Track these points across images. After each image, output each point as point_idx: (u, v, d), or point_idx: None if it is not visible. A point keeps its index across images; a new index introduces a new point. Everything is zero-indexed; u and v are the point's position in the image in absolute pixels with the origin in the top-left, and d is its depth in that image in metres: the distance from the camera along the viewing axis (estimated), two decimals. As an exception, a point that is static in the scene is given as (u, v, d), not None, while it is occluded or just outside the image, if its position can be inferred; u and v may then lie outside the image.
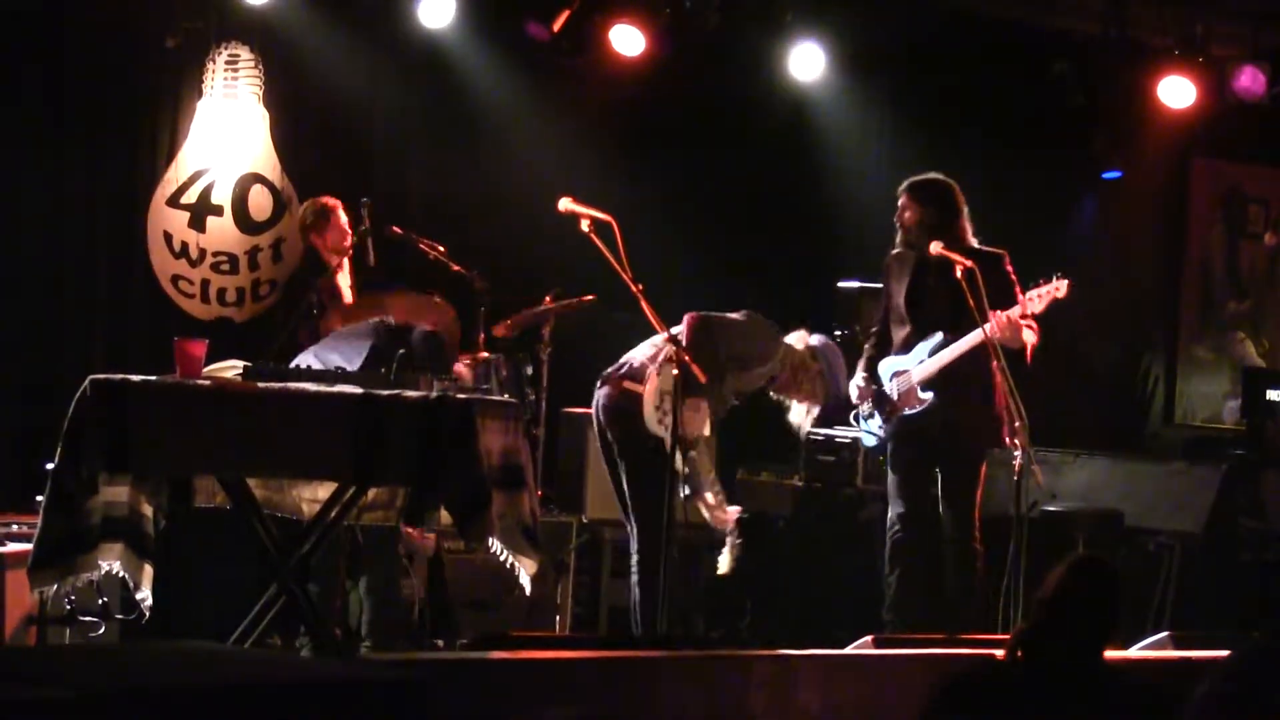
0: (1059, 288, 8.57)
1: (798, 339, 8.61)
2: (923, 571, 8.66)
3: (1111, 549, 9.58)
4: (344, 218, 8.85)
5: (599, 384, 8.40)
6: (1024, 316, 8.45)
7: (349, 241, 8.79)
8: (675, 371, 8.03)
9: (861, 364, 8.83)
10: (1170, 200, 12.63)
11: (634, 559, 8.31)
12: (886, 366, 8.72)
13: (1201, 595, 9.78)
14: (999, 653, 5.02)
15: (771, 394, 8.63)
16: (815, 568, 9.84)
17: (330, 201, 8.91)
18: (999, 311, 8.39)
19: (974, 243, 8.59)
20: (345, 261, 8.86)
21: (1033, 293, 8.55)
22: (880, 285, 9.05)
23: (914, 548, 8.63)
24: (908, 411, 8.62)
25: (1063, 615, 4.85)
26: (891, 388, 8.66)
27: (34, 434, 8.50)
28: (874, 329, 8.99)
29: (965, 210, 8.62)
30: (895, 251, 8.77)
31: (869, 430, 8.80)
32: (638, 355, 8.38)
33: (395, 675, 4.57)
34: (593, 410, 8.43)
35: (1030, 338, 8.46)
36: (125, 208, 9.60)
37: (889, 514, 8.73)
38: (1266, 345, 12.67)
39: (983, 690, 4.88)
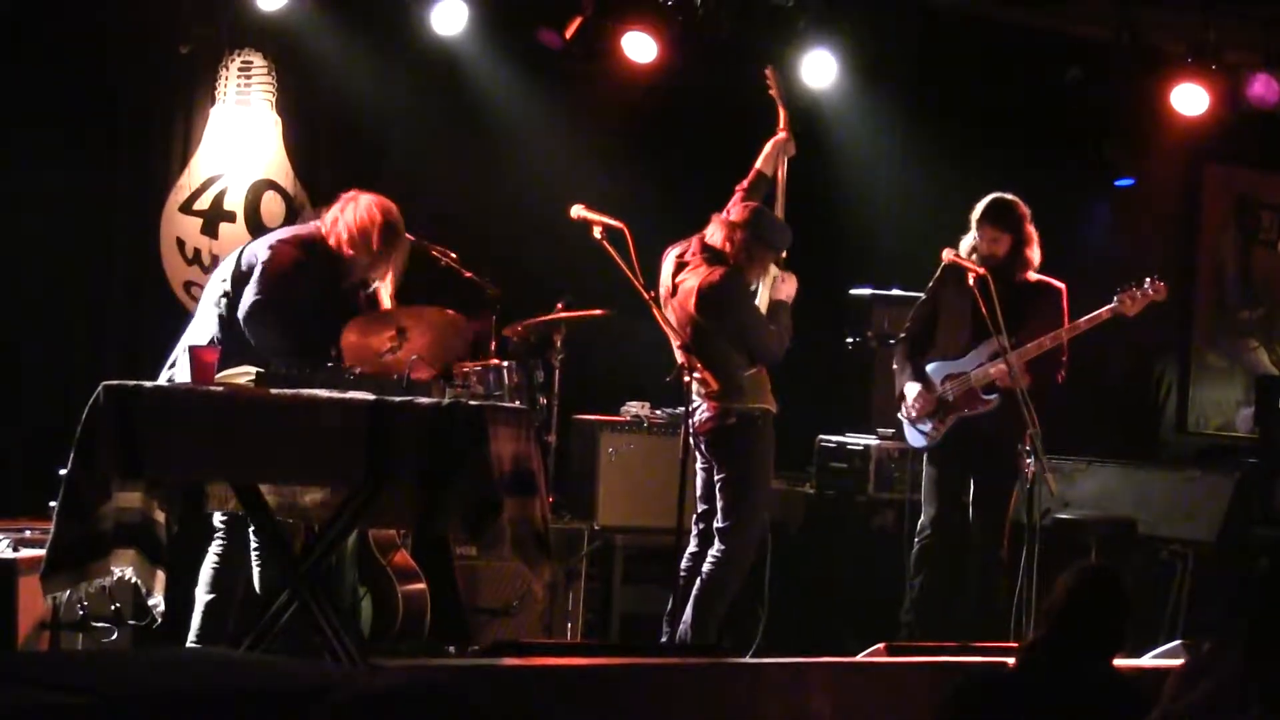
0: (1158, 289, 8.60)
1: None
2: (947, 577, 8.68)
3: (1124, 557, 9.57)
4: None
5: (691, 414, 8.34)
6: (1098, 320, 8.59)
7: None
8: (687, 379, 8.03)
9: (909, 370, 8.83)
10: (1183, 207, 12.62)
11: (709, 564, 8.27)
12: (937, 370, 8.76)
13: (1214, 604, 9.76)
14: (1010, 661, 5.02)
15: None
16: (827, 575, 9.83)
17: None
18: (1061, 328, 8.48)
19: (1035, 261, 8.68)
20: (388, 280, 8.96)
21: (1124, 295, 8.58)
22: (893, 290, 9.06)
23: (942, 553, 8.65)
24: (968, 413, 8.64)
25: (1070, 624, 4.86)
26: (946, 390, 8.69)
27: (47, 440, 8.50)
28: (908, 333, 8.97)
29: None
30: (950, 262, 8.75)
31: (920, 430, 8.79)
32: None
33: (405, 682, 4.57)
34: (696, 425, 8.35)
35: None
36: (138, 214, 9.60)
37: (922, 517, 8.76)
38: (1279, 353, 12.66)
39: (992, 697, 4.88)
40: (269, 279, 7.38)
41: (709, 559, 8.24)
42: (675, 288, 8.34)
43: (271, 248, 7.51)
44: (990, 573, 8.60)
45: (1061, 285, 8.71)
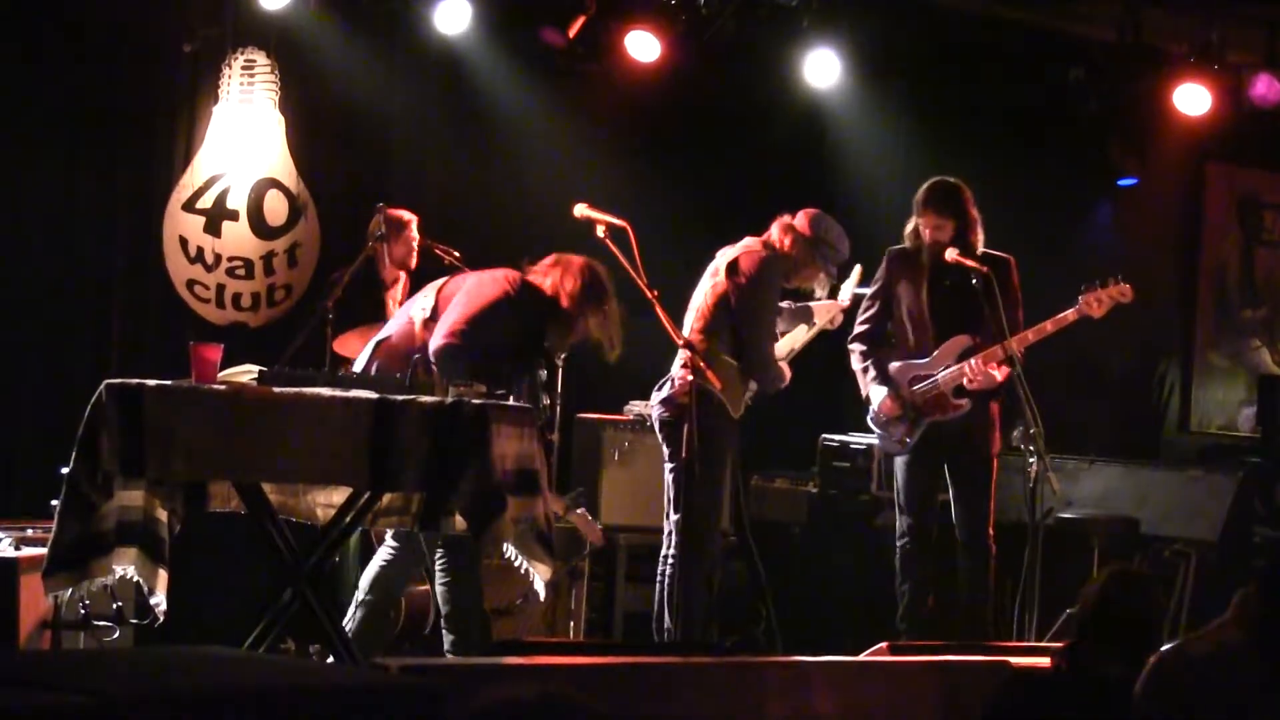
0: (1124, 292, 8.47)
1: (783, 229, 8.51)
2: (935, 580, 8.62)
3: (1127, 556, 9.56)
4: (415, 234, 8.90)
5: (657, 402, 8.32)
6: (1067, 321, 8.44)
7: (414, 259, 8.85)
8: (690, 378, 8.00)
9: (872, 372, 8.63)
10: (1185, 207, 12.62)
11: (670, 563, 8.21)
12: (901, 371, 8.62)
13: (1217, 603, 9.74)
14: (1042, 661, 5.04)
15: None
16: (830, 574, 9.83)
17: (405, 215, 8.95)
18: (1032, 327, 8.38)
19: (979, 246, 8.51)
20: (403, 276, 8.97)
21: (1090, 296, 8.46)
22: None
23: (924, 556, 8.57)
24: (939, 418, 8.53)
25: (1103, 628, 4.86)
26: (915, 393, 8.55)
27: (49, 438, 8.51)
28: (863, 334, 8.74)
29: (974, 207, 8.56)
30: (899, 248, 8.67)
31: (892, 437, 8.65)
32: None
33: (409, 682, 4.56)
34: (660, 413, 8.33)
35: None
36: (141, 212, 9.61)
37: (899, 523, 8.66)
38: (1283, 352, 12.67)
39: (1031, 701, 4.90)
40: (470, 314, 7.44)
41: (670, 558, 8.16)
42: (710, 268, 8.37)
43: (482, 281, 7.59)
44: (978, 563, 8.46)
45: (1009, 256, 8.54)
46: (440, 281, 7.75)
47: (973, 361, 8.40)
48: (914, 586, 8.57)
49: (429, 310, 7.56)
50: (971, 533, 8.47)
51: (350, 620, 7.54)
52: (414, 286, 9.12)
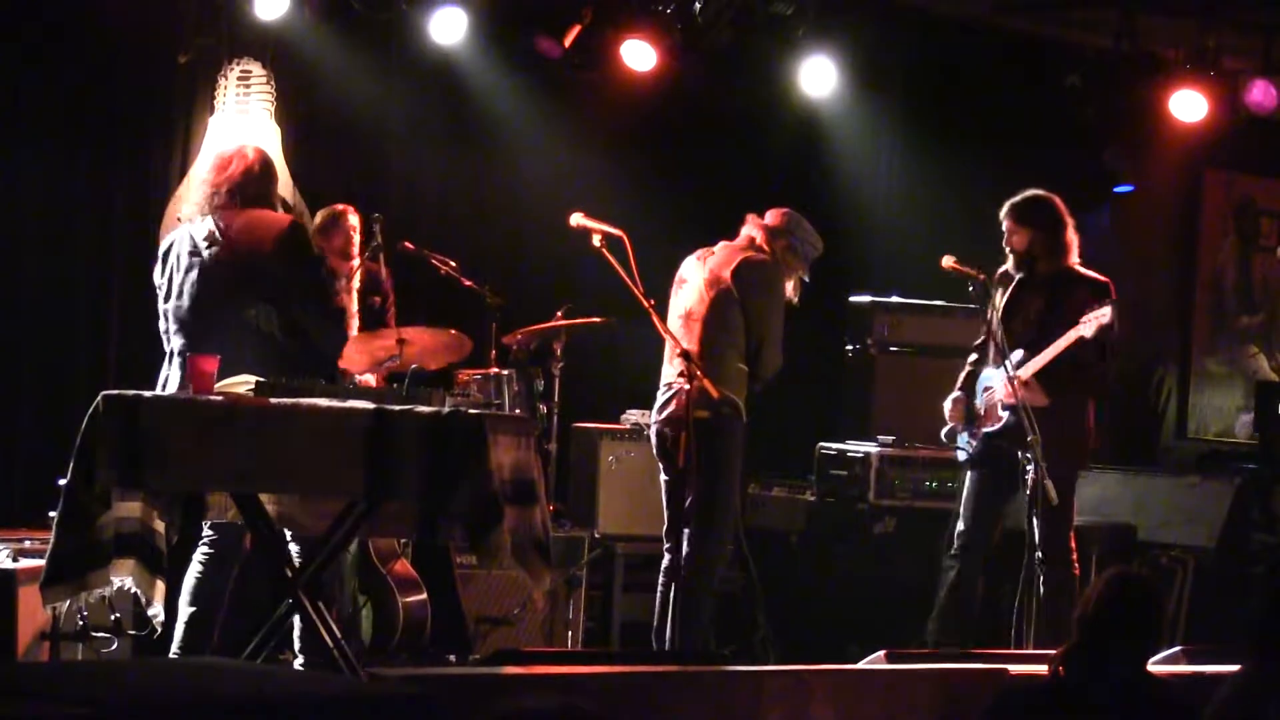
0: (1102, 314, 8.40)
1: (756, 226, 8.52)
2: (974, 590, 8.58)
3: (1124, 563, 9.56)
4: (353, 221, 8.65)
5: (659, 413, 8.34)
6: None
7: (354, 249, 8.72)
8: (687, 386, 8.00)
9: (960, 380, 8.68)
10: (1182, 214, 12.63)
11: (685, 572, 8.18)
12: (982, 379, 8.60)
13: (1214, 609, 9.77)
14: (1044, 669, 5.03)
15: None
16: (828, 582, 9.82)
17: (339, 206, 8.88)
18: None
19: (1076, 262, 8.49)
20: (356, 265, 8.88)
21: (1085, 316, 8.40)
22: (892, 297, 8.98)
23: (971, 567, 8.53)
24: (987, 429, 8.52)
25: (1102, 632, 4.86)
26: (979, 402, 8.58)
27: (46, 450, 8.51)
28: (979, 339, 8.75)
29: (1070, 225, 8.50)
30: (1004, 269, 8.63)
31: (959, 444, 8.66)
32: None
33: (408, 691, 4.57)
34: (664, 424, 8.32)
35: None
36: (138, 223, 9.59)
37: (956, 528, 8.64)
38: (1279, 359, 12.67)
39: (1030, 707, 4.90)
40: (325, 275, 7.39)
41: (684, 567, 8.14)
42: (698, 272, 8.33)
43: (304, 243, 7.47)
44: (1059, 588, 8.16)
45: (1099, 278, 8.45)
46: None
47: (1018, 374, 8.36)
48: (951, 591, 8.54)
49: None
50: (1046, 548, 8.27)
51: (175, 643, 7.25)
52: (409, 293, 9.10)
